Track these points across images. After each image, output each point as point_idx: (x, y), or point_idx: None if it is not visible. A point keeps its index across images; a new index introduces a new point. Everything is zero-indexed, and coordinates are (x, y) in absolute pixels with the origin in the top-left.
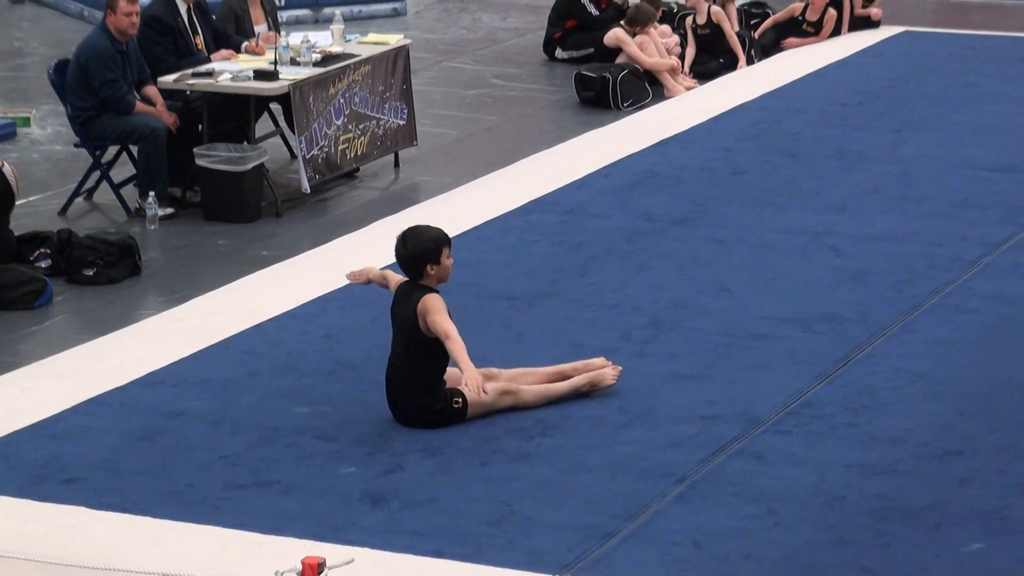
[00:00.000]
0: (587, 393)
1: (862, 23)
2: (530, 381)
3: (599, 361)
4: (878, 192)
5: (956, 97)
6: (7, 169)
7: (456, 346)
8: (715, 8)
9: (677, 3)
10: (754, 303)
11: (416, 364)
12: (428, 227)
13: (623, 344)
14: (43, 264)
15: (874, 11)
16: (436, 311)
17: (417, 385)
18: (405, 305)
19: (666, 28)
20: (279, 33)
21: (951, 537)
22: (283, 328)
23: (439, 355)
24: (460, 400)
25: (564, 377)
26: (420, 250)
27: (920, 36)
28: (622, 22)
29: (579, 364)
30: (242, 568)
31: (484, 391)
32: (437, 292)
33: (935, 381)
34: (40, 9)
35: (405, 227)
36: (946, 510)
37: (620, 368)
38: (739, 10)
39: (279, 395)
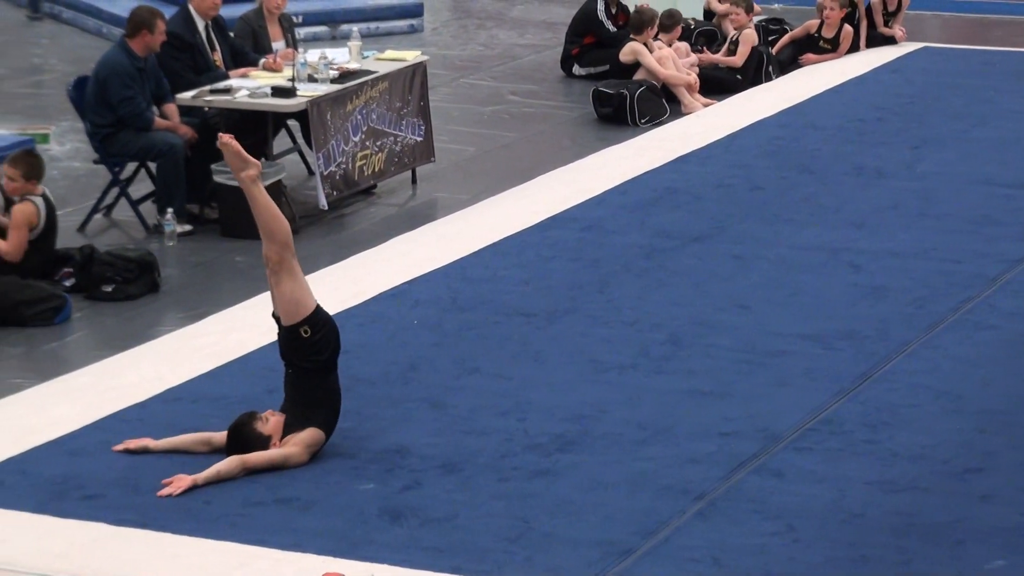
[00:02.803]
0: None
1: (881, 40)
2: None
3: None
4: (897, 208)
5: (975, 113)
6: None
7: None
8: (747, 32)
9: (695, 19)
10: (773, 320)
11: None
12: (243, 428)
13: (641, 361)
14: (67, 283)
15: (899, 32)
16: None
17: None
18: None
19: (685, 45)
20: (297, 50)
21: (972, 554)
22: None
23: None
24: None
25: None
26: (249, 440)
27: (939, 52)
28: (631, 34)
29: None
30: None
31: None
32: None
33: (955, 398)
34: (59, 26)
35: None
36: (967, 527)
37: None
38: (757, 26)
39: None
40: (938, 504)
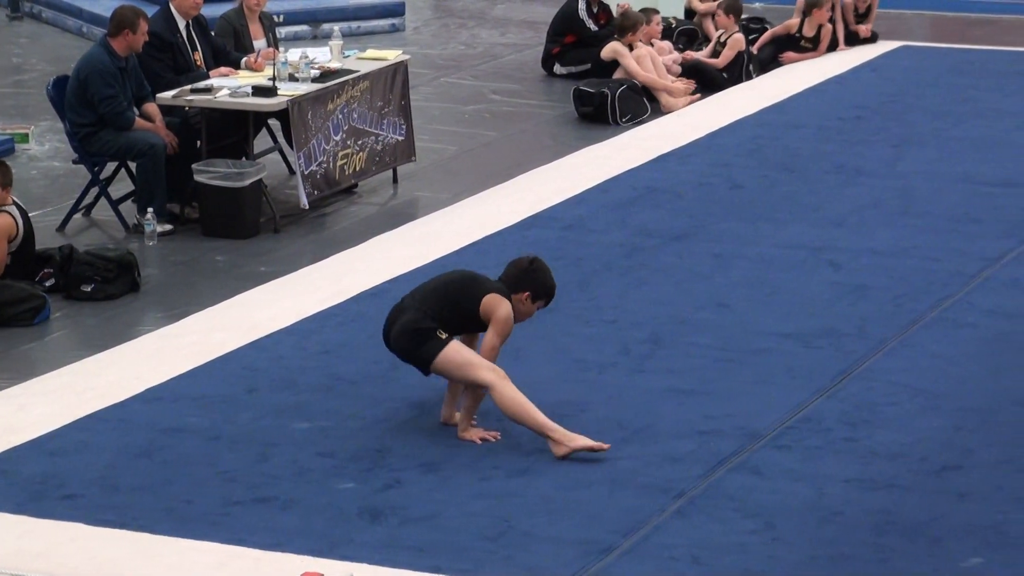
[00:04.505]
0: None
1: (855, 40)
2: None
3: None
4: (877, 207)
5: (955, 112)
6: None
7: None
8: (736, 37)
9: (676, 19)
10: (753, 318)
11: (438, 312)
12: (551, 276)
13: (622, 359)
14: (47, 284)
15: (862, 28)
16: (504, 323)
17: (421, 321)
18: (479, 284)
19: (666, 44)
20: (278, 49)
21: (950, 552)
22: (281, 344)
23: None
24: (445, 334)
25: None
26: (531, 280)
27: (918, 51)
28: (615, 34)
29: None
30: None
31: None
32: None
33: (934, 396)
34: (39, 26)
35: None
36: (945, 525)
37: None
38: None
39: (278, 411)
40: (916, 502)
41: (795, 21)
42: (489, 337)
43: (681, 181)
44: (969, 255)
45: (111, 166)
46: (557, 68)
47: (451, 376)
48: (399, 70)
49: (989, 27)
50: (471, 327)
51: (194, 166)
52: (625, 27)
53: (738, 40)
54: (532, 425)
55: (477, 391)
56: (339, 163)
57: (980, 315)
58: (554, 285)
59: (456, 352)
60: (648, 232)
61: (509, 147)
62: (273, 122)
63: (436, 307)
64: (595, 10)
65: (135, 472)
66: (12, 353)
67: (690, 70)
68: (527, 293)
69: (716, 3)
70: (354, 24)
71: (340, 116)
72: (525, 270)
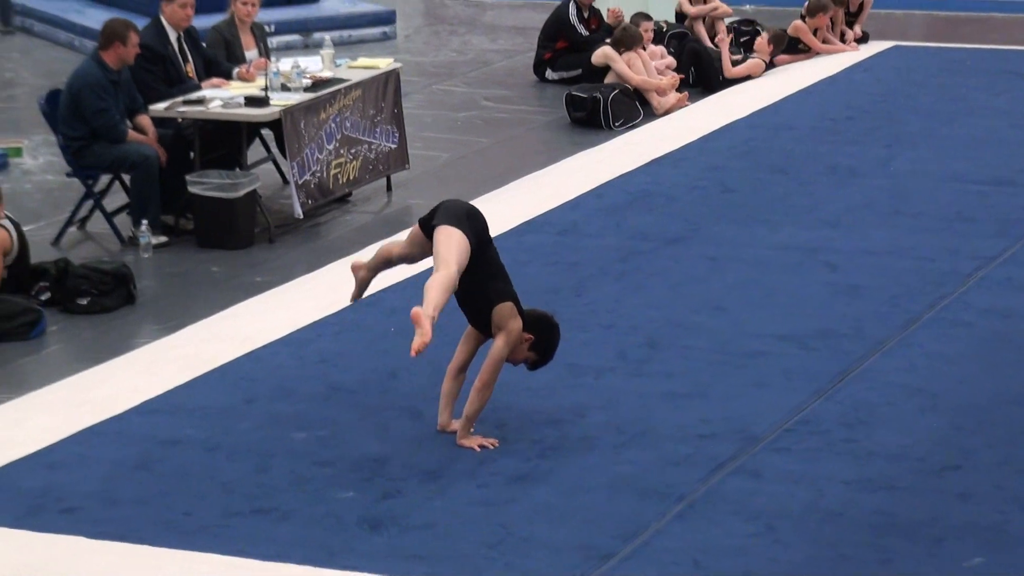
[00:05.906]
0: None
1: (843, 39)
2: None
3: None
4: (870, 207)
5: (946, 111)
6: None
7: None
8: (758, 63)
9: (667, 22)
10: (749, 321)
11: (476, 260)
12: (556, 347)
13: (619, 364)
14: (42, 297)
15: (850, 35)
16: (516, 336)
17: None
18: (509, 286)
19: (658, 49)
20: (269, 59)
21: (951, 552)
22: (278, 354)
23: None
24: (472, 245)
25: None
26: (546, 333)
27: (909, 51)
28: (608, 41)
29: None
30: None
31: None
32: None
33: (932, 396)
34: (31, 39)
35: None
36: (945, 525)
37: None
38: (728, 27)
39: (275, 421)
40: (916, 502)
41: (801, 24)
42: (499, 345)
43: (675, 184)
44: (963, 254)
45: (105, 179)
46: (549, 73)
47: (437, 244)
48: (391, 78)
49: (979, 25)
50: (471, 305)
51: (188, 177)
52: (622, 42)
53: (758, 66)
54: (428, 298)
55: (480, 393)
56: (333, 172)
57: (976, 314)
58: (553, 355)
59: (459, 242)
60: (643, 236)
61: (502, 153)
62: (266, 132)
63: (476, 254)
64: (586, 15)
65: (134, 484)
66: (9, 367)
67: (690, 55)
68: (532, 338)
69: (708, 7)
70: (345, 33)
71: (333, 125)
72: (548, 322)
